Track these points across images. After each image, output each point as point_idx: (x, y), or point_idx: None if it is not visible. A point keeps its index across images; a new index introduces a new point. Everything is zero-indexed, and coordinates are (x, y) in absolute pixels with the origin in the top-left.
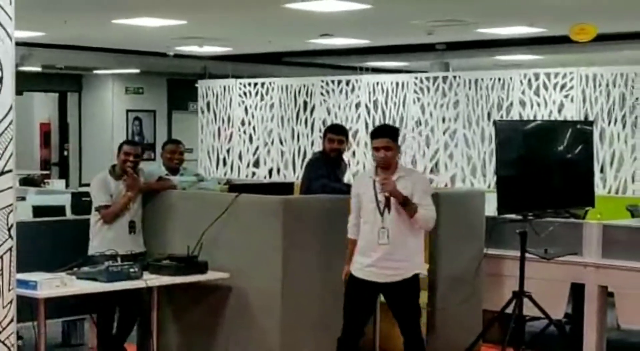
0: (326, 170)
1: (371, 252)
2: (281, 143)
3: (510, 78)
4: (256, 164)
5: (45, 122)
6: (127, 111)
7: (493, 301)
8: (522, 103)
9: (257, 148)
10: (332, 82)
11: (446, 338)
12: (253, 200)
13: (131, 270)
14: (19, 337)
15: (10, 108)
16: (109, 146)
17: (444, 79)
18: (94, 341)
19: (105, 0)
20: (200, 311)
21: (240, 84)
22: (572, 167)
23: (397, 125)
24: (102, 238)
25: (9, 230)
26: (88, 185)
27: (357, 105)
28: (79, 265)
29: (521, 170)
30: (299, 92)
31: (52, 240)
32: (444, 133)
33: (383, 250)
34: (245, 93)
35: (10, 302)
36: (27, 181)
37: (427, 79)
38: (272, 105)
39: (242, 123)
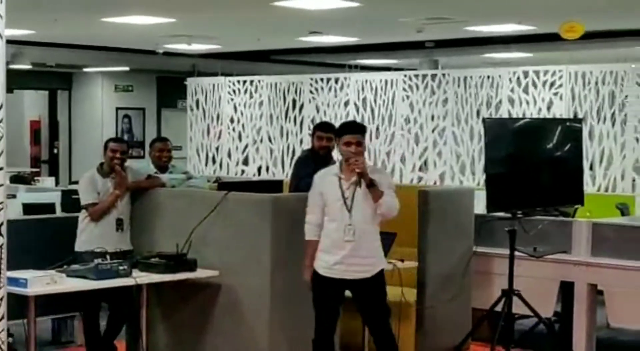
0: (315, 167)
1: (337, 249)
2: (270, 141)
3: (500, 76)
4: (245, 162)
5: (36, 119)
6: (117, 109)
7: (482, 300)
8: (511, 101)
9: (246, 146)
10: (321, 79)
11: (435, 337)
12: (242, 198)
13: (120, 267)
14: (9, 334)
15: (1, 106)
16: (98, 144)
17: (433, 76)
18: (84, 339)
19: None
20: (189, 309)
21: (230, 81)
22: (562, 164)
23: (386, 123)
24: (88, 235)
25: None
26: (78, 182)
27: (346, 103)
28: (69, 262)
29: (510, 168)
30: (288, 89)
31: (42, 238)
32: (433, 131)
33: (349, 247)
34: (234, 91)
35: (1, 300)
36: (17, 178)
37: (416, 76)
38: (261, 103)
39: (231, 121)
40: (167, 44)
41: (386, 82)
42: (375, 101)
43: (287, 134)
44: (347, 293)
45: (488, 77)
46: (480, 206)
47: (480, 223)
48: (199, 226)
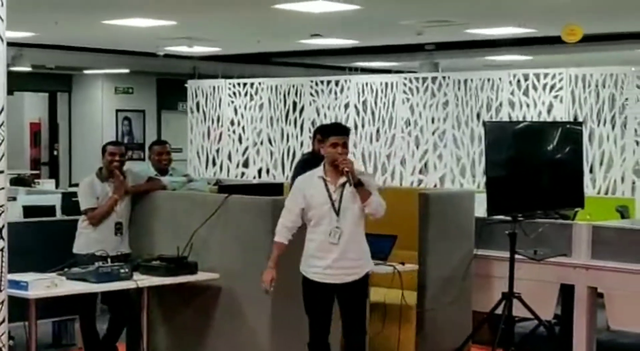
0: None
1: (326, 253)
2: (270, 143)
3: (500, 78)
4: (245, 164)
5: (36, 121)
6: (117, 111)
7: (482, 302)
8: (512, 104)
9: (246, 149)
10: (322, 82)
11: (435, 339)
12: (243, 201)
13: (121, 270)
14: (10, 337)
15: (2, 109)
16: (98, 146)
17: (433, 79)
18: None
19: (95, 1)
20: (190, 311)
21: (230, 84)
22: (562, 167)
23: (386, 125)
24: (86, 238)
25: (0, 231)
26: (78, 185)
27: (347, 106)
28: (70, 265)
29: (511, 171)
30: (289, 92)
31: (43, 240)
32: (433, 133)
33: (338, 250)
34: (234, 94)
35: (2, 303)
36: (17, 181)
37: (417, 79)
38: (261, 106)
39: (232, 123)
40: (168, 47)
41: (386, 84)
42: (375, 104)
43: (288, 137)
44: None
45: (488, 79)
46: (480, 209)
47: (480, 226)
48: (200, 229)
